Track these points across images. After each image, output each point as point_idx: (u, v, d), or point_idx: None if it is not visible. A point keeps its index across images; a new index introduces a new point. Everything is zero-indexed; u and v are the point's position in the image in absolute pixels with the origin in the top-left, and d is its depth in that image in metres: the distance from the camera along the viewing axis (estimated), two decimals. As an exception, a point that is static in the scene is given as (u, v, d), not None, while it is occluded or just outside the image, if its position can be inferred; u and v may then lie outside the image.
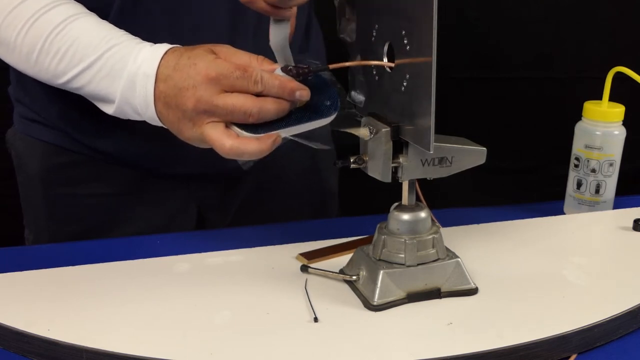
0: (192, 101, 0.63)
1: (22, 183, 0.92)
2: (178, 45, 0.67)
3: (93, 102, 0.71)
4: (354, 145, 0.67)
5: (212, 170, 0.90)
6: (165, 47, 0.67)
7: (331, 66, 0.64)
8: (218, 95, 0.62)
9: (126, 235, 0.86)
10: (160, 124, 0.68)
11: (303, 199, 1.01)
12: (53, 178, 0.89)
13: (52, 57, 0.69)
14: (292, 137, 0.66)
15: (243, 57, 0.65)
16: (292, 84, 0.63)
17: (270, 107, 0.62)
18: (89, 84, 0.69)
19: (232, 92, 0.62)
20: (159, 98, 0.65)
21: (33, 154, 0.89)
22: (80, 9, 0.71)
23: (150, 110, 0.66)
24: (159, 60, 0.65)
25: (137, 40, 0.68)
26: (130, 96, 0.67)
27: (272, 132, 0.63)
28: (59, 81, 0.70)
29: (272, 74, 0.63)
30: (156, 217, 0.91)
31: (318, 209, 1.02)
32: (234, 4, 0.79)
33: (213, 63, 0.63)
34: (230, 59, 0.64)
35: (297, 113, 0.64)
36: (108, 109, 0.70)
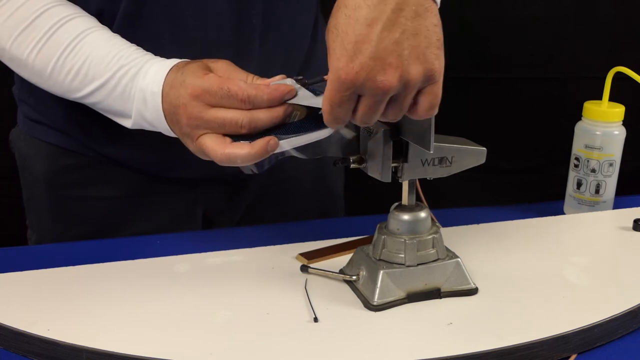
0: (185, 118, 0.64)
1: (26, 184, 0.92)
2: (185, 60, 0.67)
3: (110, 117, 0.72)
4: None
5: (217, 174, 0.90)
6: (171, 63, 0.67)
7: (326, 77, 0.64)
8: (207, 111, 0.63)
9: None
10: (175, 136, 0.68)
11: (309, 202, 1.00)
12: (58, 180, 0.88)
13: (66, 74, 0.69)
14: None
15: (240, 75, 0.65)
16: (280, 92, 0.62)
17: (261, 116, 0.62)
18: (105, 100, 0.70)
19: (221, 107, 0.63)
20: (166, 115, 0.66)
21: (38, 155, 0.89)
22: (91, 22, 0.71)
23: (164, 124, 0.67)
24: (164, 78, 0.66)
25: (148, 56, 0.69)
26: (144, 112, 0.68)
27: (266, 137, 0.62)
28: (74, 96, 0.71)
29: (259, 88, 0.62)
30: (162, 220, 0.91)
31: (324, 212, 1.01)
32: (239, 9, 0.79)
33: (199, 80, 0.63)
34: (225, 76, 0.64)
35: (296, 124, 0.63)
36: (126, 123, 0.71)
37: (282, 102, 0.62)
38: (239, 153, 0.62)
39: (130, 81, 0.67)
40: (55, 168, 0.88)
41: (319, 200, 1.02)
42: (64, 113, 0.84)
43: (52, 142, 0.87)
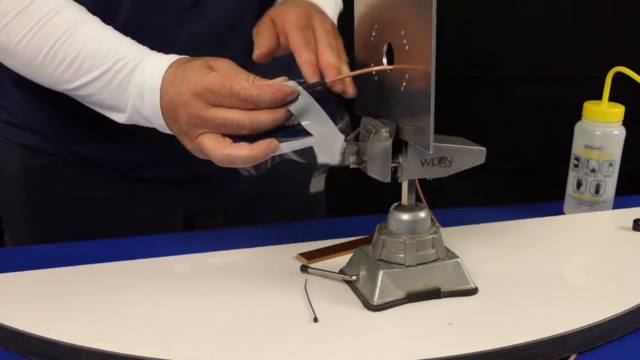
0: (185, 116, 0.63)
1: (1, 188, 0.90)
2: (186, 57, 0.67)
3: (100, 111, 0.71)
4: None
5: (197, 175, 0.89)
6: (171, 58, 0.66)
7: (328, 80, 0.64)
8: (208, 110, 0.62)
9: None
10: (171, 133, 0.68)
11: (290, 204, 0.99)
12: (33, 182, 0.87)
13: (57, 65, 0.68)
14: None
15: (242, 75, 0.64)
16: (283, 93, 0.61)
17: (263, 118, 0.62)
18: (98, 93, 0.68)
19: (222, 107, 0.62)
20: (164, 112, 0.65)
21: (12, 157, 0.87)
22: (84, 13, 0.70)
23: (160, 121, 0.66)
24: (162, 74, 0.65)
25: (146, 50, 0.68)
26: (141, 107, 0.67)
27: (266, 139, 0.61)
28: (63, 87, 0.70)
29: (261, 88, 0.61)
30: (141, 220, 0.90)
31: (305, 211, 1.00)
32: (233, 23, 0.79)
33: (202, 78, 0.62)
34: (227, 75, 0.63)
35: (295, 128, 0.63)
36: (118, 118, 0.69)
37: (285, 103, 0.62)
38: (238, 154, 0.61)
39: (128, 75, 0.66)
40: (30, 170, 0.87)
41: (299, 201, 1.00)
42: (38, 114, 0.83)
43: (26, 144, 0.86)
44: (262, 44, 0.70)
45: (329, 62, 0.66)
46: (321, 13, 0.71)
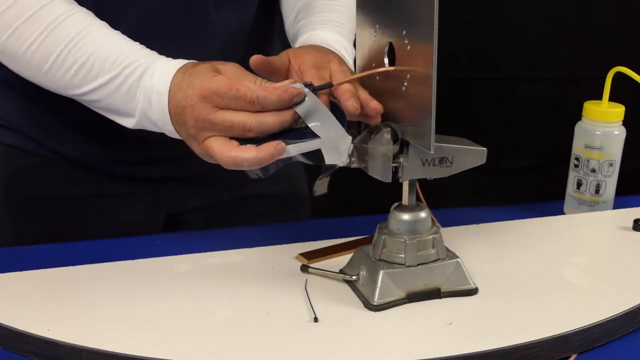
0: (192, 120, 0.62)
1: None
2: (193, 61, 0.66)
3: (108, 115, 0.71)
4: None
5: (180, 174, 0.89)
6: (179, 63, 0.66)
7: (335, 82, 0.64)
8: (215, 113, 0.61)
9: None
10: (180, 137, 0.67)
11: (274, 204, 0.99)
12: (15, 181, 0.87)
13: (66, 70, 0.68)
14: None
15: (249, 78, 0.63)
16: (289, 94, 0.61)
17: (270, 120, 0.61)
18: (106, 98, 0.68)
19: (228, 110, 0.62)
20: (172, 116, 0.65)
21: None
22: (92, 19, 0.70)
23: (169, 125, 0.66)
24: (170, 78, 0.65)
25: (154, 55, 0.68)
26: (149, 112, 0.67)
27: (273, 141, 0.61)
28: (71, 92, 0.70)
29: (268, 89, 0.61)
30: (124, 220, 0.89)
31: (290, 213, 1.00)
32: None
33: (208, 82, 0.62)
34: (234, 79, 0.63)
35: (302, 130, 0.63)
36: (127, 123, 0.69)
37: (291, 105, 0.62)
38: (245, 157, 0.61)
39: (137, 80, 0.66)
40: (12, 169, 0.87)
41: (283, 200, 1.00)
42: (21, 113, 0.83)
43: (7, 143, 0.86)
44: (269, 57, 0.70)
45: (345, 87, 0.64)
46: (338, 57, 0.71)
